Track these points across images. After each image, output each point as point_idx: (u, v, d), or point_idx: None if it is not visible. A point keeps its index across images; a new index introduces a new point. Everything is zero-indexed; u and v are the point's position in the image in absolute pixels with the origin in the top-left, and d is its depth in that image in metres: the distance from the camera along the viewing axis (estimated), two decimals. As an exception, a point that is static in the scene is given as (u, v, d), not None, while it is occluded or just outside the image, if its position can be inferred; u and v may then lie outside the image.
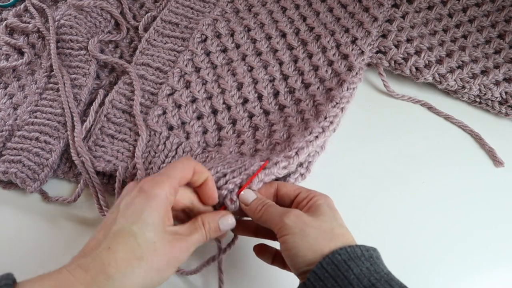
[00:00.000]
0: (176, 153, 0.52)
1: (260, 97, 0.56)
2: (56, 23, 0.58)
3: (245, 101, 0.56)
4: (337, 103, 0.52)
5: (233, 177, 0.44)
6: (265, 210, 0.41)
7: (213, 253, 0.47)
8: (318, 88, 0.56)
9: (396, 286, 0.35)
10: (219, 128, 0.54)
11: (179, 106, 0.55)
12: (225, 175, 0.44)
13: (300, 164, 0.51)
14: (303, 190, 0.42)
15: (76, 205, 0.53)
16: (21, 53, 0.60)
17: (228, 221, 0.41)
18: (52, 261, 0.50)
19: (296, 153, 0.47)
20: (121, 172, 0.51)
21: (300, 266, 0.37)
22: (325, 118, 0.50)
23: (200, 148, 0.52)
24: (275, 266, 0.45)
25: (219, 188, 0.43)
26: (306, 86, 0.57)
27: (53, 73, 0.57)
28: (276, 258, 0.45)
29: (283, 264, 0.43)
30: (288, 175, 0.50)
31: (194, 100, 0.55)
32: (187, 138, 0.53)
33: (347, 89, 0.54)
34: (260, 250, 0.46)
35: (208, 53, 0.58)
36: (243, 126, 0.54)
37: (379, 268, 0.36)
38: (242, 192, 0.43)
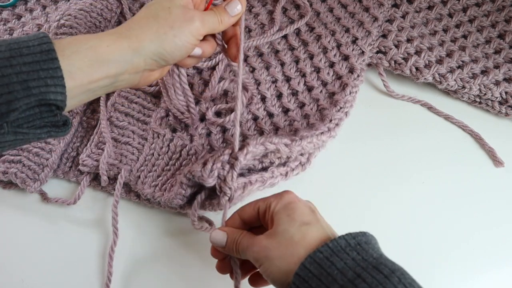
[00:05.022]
0: (180, 155, 0.52)
1: (263, 99, 0.56)
2: (56, 23, 0.58)
3: (249, 103, 0.56)
4: (341, 108, 0.53)
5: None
6: (238, 248, 0.40)
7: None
8: (321, 91, 0.56)
9: (385, 270, 0.33)
10: (223, 130, 0.54)
11: None
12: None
13: (301, 154, 0.50)
14: (260, 204, 0.41)
15: (76, 206, 0.52)
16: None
17: (237, 5, 0.44)
18: (52, 262, 0.50)
19: (300, 138, 0.47)
20: (123, 174, 0.50)
21: (282, 285, 0.37)
22: (331, 120, 0.51)
23: (205, 151, 0.52)
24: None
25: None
26: (309, 89, 0.57)
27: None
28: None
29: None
30: (288, 161, 0.49)
31: (197, 102, 0.55)
32: (191, 140, 0.53)
33: (350, 93, 0.55)
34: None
35: None
36: (248, 129, 0.54)
37: (367, 254, 0.35)
38: (212, 235, 0.41)
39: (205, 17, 0.42)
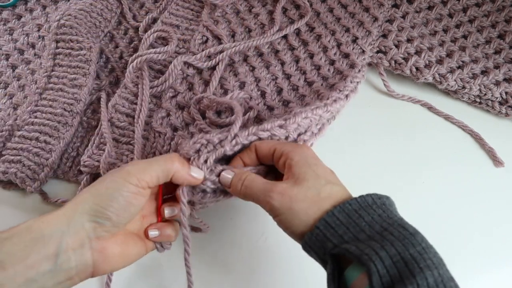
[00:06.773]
0: None
1: (263, 94, 0.56)
2: (56, 23, 0.58)
3: (249, 98, 0.56)
4: (341, 91, 0.52)
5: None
6: (246, 187, 0.40)
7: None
8: (322, 84, 0.56)
9: (410, 228, 0.35)
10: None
11: (183, 108, 0.55)
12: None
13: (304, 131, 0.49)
14: (277, 147, 0.41)
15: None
16: (21, 53, 0.60)
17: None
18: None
19: (294, 115, 0.45)
20: None
21: (300, 238, 0.38)
22: (328, 98, 0.50)
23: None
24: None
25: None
26: (309, 83, 0.57)
27: (53, 73, 0.57)
28: None
29: None
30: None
31: (198, 102, 0.55)
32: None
33: (351, 82, 0.54)
34: None
35: (209, 55, 0.58)
36: (248, 121, 0.53)
37: (392, 214, 0.37)
38: (221, 174, 0.41)
39: (144, 163, 0.38)
